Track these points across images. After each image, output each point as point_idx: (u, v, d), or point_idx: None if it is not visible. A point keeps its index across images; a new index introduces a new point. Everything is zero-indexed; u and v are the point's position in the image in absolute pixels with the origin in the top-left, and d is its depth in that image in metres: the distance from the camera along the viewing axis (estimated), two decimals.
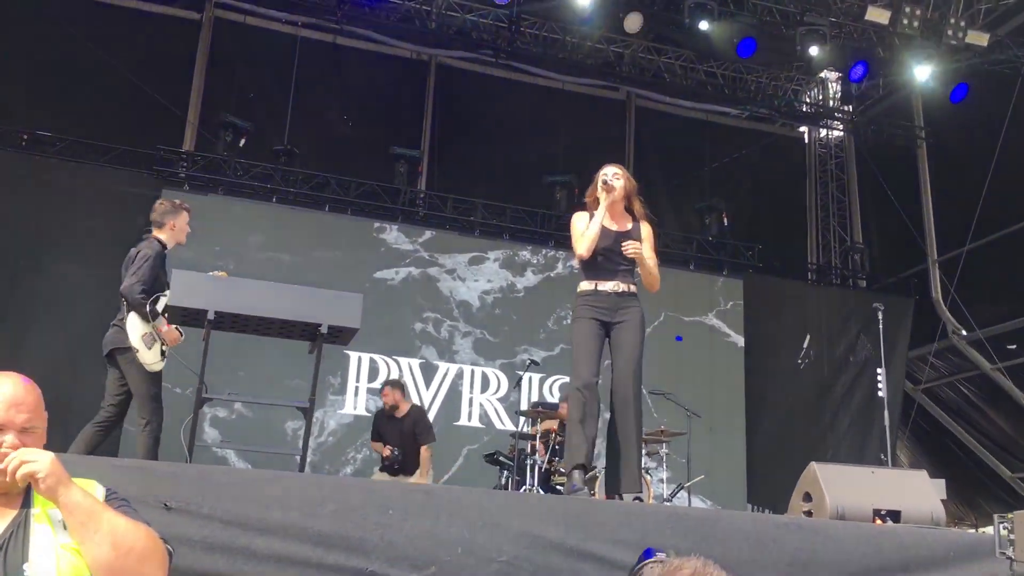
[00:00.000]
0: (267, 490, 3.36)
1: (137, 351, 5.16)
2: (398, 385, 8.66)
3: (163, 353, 5.28)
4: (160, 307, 5.14)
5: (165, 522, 3.02)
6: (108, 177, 10.29)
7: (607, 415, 4.87)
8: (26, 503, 2.03)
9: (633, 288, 4.86)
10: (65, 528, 2.01)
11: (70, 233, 9.62)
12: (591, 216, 4.85)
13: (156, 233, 5.60)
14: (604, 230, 4.83)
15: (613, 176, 4.90)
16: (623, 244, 4.76)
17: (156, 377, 5.27)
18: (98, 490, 2.17)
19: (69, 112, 10.82)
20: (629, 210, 4.97)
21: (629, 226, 4.92)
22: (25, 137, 10.29)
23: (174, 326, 5.20)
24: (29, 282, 9.47)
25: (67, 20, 10.91)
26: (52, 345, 9.31)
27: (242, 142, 10.82)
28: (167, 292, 5.13)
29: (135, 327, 5.18)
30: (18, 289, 9.39)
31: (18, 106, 10.60)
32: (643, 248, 4.84)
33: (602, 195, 4.82)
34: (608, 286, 4.79)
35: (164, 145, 10.64)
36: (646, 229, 4.95)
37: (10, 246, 9.36)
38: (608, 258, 4.81)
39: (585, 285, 4.87)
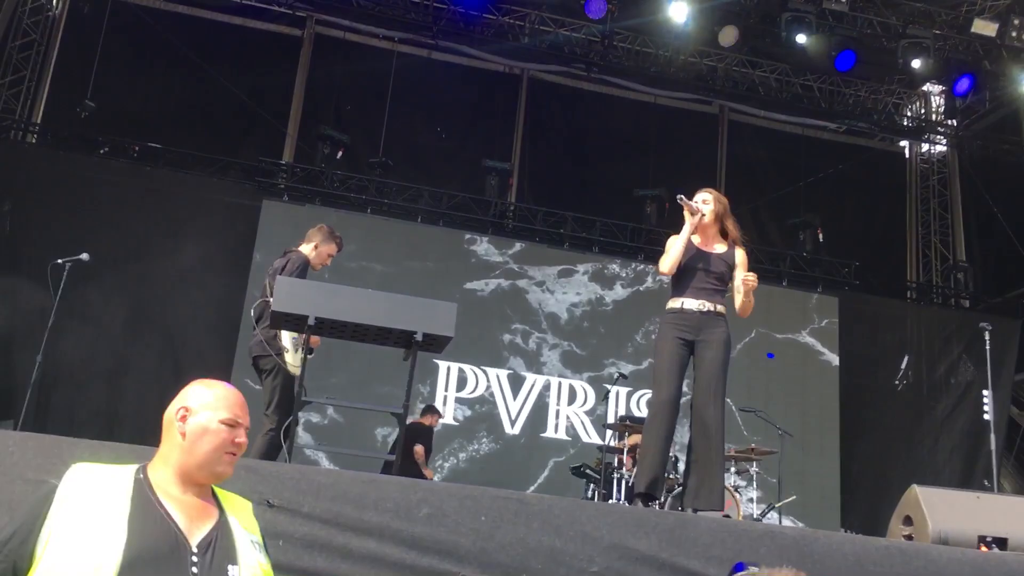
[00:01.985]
0: (364, 492, 3.44)
1: (286, 351, 5.30)
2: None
3: (304, 360, 5.40)
4: None
5: (268, 519, 3.12)
6: (212, 187, 10.71)
7: (686, 434, 4.85)
8: (222, 512, 2.20)
9: (720, 308, 4.83)
10: (263, 549, 2.21)
11: (176, 240, 10.01)
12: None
13: (302, 246, 5.80)
14: (696, 250, 4.85)
15: (702, 201, 4.91)
16: (744, 278, 4.77)
17: (292, 382, 5.34)
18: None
19: (177, 125, 11.30)
20: (724, 233, 4.96)
21: (722, 249, 4.92)
22: (136, 149, 10.76)
23: None
24: (137, 287, 9.87)
25: (175, 36, 11.40)
26: (158, 348, 9.70)
27: (339, 154, 11.11)
28: None
29: (286, 331, 5.33)
30: (127, 294, 9.80)
31: (129, 119, 11.11)
32: (736, 274, 4.86)
33: (688, 216, 4.86)
34: (694, 304, 4.79)
35: (265, 157, 11.01)
36: (741, 254, 4.94)
37: (120, 252, 9.78)
38: (696, 277, 4.81)
39: (672, 303, 4.88)
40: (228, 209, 10.49)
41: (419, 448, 8.89)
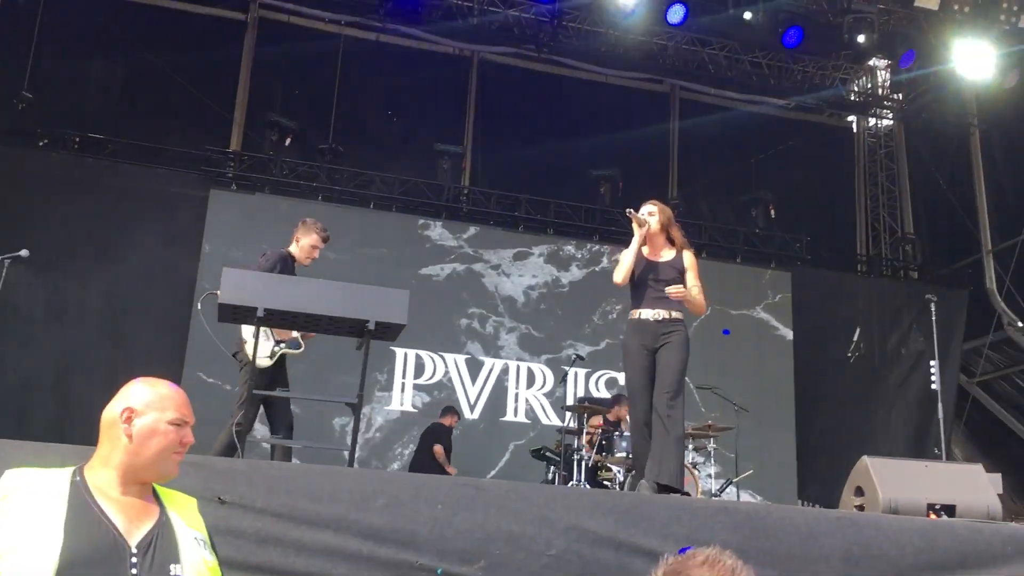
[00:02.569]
0: (318, 484, 3.40)
1: (245, 343, 5.34)
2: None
3: (274, 354, 5.51)
4: None
5: (220, 516, 3.07)
6: (158, 178, 10.48)
7: None
8: (163, 510, 2.17)
9: (676, 314, 5.06)
10: (209, 547, 2.19)
11: (122, 233, 9.82)
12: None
13: (290, 246, 5.90)
14: (646, 261, 5.12)
15: (648, 213, 5.21)
16: (668, 290, 4.98)
17: (260, 375, 5.36)
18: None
19: (119, 115, 11.05)
20: (671, 240, 5.22)
21: (671, 255, 5.16)
22: (77, 140, 10.51)
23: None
24: (81, 282, 9.67)
25: (114, 23, 11.12)
26: (106, 344, 9.52)
27: (288, 141, 10.97)
28: None
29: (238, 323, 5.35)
30: (70, 290, 9.59)
31: (69, 109, 10.85)
32: (687, 276, 5.10)
33: (636, 229, 5.12)
34: (650, 314, 5.04)
35: (212, 146, 10.81)
36: (689, 257, 5.18)
37: (64, 246, 9.56)
38: (649, 287, 5.06)
39: (632, 313, 5.14)
40: (175, 199, 10.28)
41: (438, 448, 9.14)
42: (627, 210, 5.20)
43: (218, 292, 4.39)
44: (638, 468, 5.15)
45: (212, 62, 11.67)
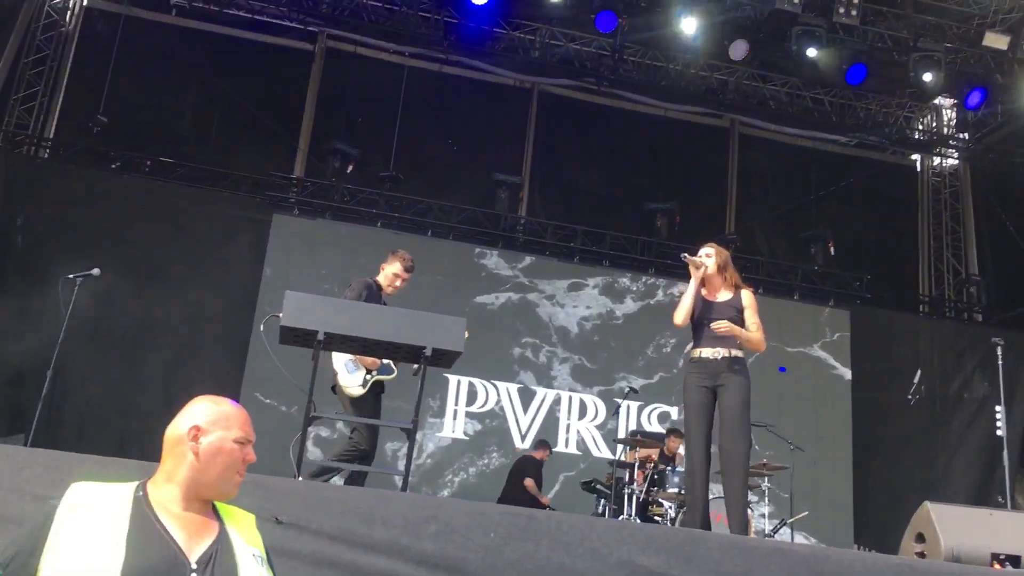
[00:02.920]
0: (372, 508, 3.43)
1: (336, 374, 5.60)
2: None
3: (366, 382, 5.67)
4: None
5: (276, 536, 3.11)
6: (223, 201, 10.75)
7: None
8: (223, 526, 2.20)
9: (737, 353, 5.12)
10: (267, 564, 2.21)
11: (187, 255, 10.05)
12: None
13: (379, 273, 6.10)
14: (704, 302, 5.23)
15: (705, 255, 5.30)
16: (714, 325, 5.08)
17: (358, 403, 5.65)
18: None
19: (189, 139, 11.39)
20: (728, 280, 5.33)
21: (728, 296, 5.26)
22: (148, 163, 10.82)
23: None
24: (147, 302, 9.90)
25: (187, 50, 11.48)
26: (168, 363, 9.72)
27: (349, 168, 11.15)
28: None
29: (338, 354, 5.55)
30: (136, 309, 9.82)
31: (141, 133, 11.19)
32: (747, 315, 5.19)
33: (693, 271, 5.24)
34: (710, 353, 5.12)
35: (276, 171, 11.06)
36: (748, 296, 5.27)
37: (132, 266, 9.81)
38: (709, 326, 5.14)
39: (692, 352, 5.24)
40: (239, 223, 10.52)
41: (529, 481, 9.15)
42: (683, 255, 5.31)
43: (280, 315, 4.47)
44: (690, 506, 5.18)
45: (280, 90, 11.99)
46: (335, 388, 5.75)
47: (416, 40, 11.88)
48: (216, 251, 10.17)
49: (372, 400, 5.76)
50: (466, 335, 5.90)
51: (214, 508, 2.23)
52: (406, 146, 11.88)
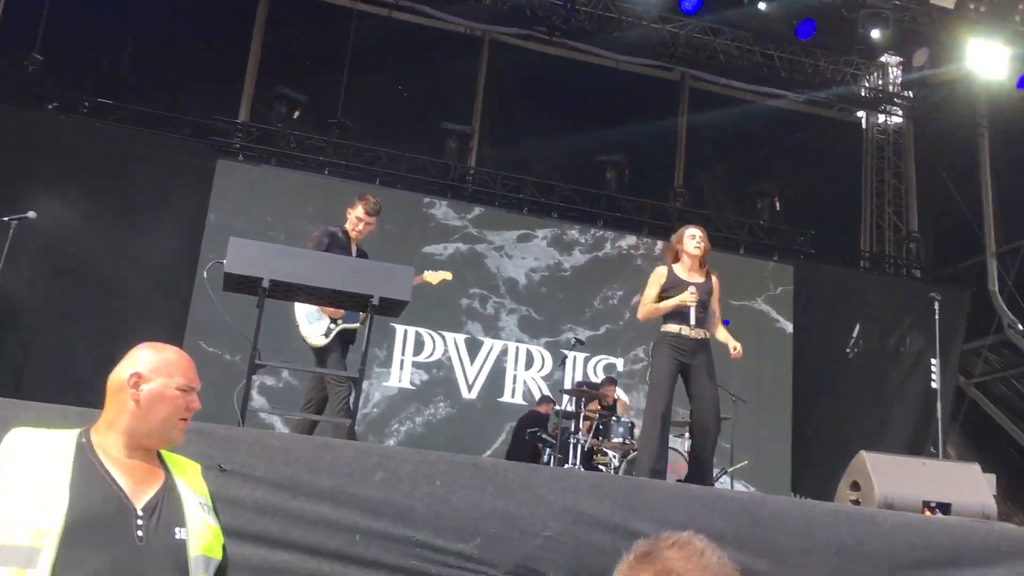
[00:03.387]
0: (318, 456, 3.42)
1: (298, 326, 5.47)
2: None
3: (329, 331, 5.51)
4: None
5: (220, 484, 3.09)
6: (166, 145, 10.46)
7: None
8: (168, 474, 2.18)
9: (707, 335, 5.50)
10: (212, 511, 2.21)
11: (128, 199, 9.82)
12: (668, 271, 5.55)
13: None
14: (684, 283, 5.49)
15: (701, 238, 5.60)
16: (733, 353, 5.51)
17: (322, 353, 5.54)
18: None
19: (129, 81, 11.03)
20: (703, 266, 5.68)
21: (701, 279, 5.58)
22: (86, 104, 10.48)
23: None
24: (86, 246, 9.66)
25: None
26: (110, 310, 9.53)
27: (296, 114, 10.93)
28: None
29: (300, 305, 5.44)
30: (75, 253, 9.58)
31: (79, 73, 10.81)
32: (712, 300, 5.60)
33: (685, 297, 5.40)
34: (688, 332, 5.40)
35: (221, 116, 10.79)
36: (716, 284, 5.66)
37: (71, 209, 9.54)
38: (690, 307, 5.42)
39: (670, 327, 5.45)
40: (182, 168, 10.27)
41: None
42: (691, 289, 5.42)
43: (224, 261, 4.38)
44: (642, 457, 5.44)
45: (224, 33, 11.66)
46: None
47: None
48: (158, 196, 9.94)
49: (339, 350, 5.61)
50: (449, 277, 6.04)
51: (160, 457, 2.21)
52: (354, 93, 11.66)
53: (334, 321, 5.56)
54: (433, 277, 6.05)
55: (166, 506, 2.08)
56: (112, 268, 9.65)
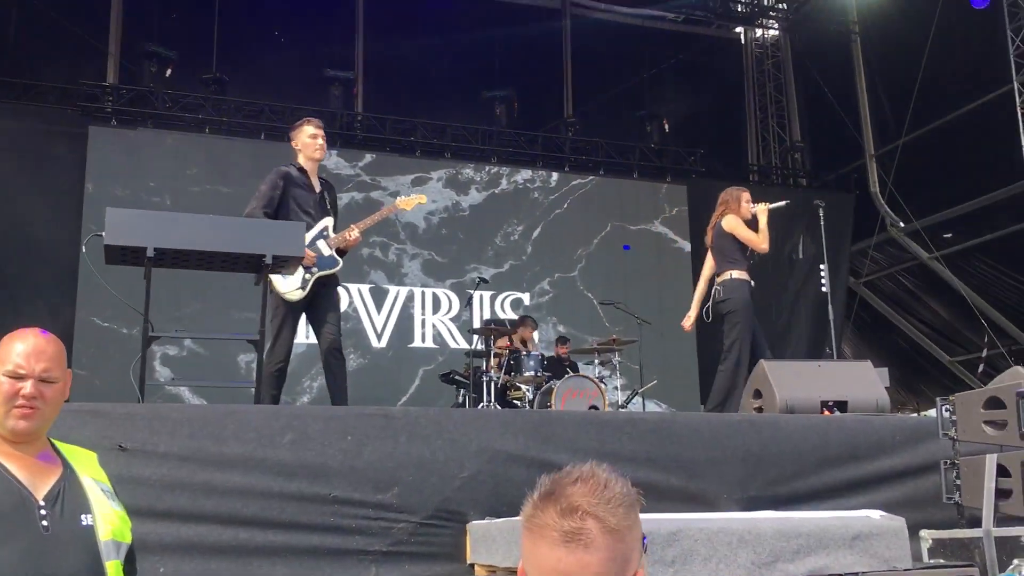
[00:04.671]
0: (222, 424, 3.35)
1: (271, 281, 4.92)
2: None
3: (305, 282, 5.06)
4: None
5: (122, 464, 3.00)
6: (30, 115, 9.90)
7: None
8: (66, 464, 2.14)
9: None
10: (115, 497, 2.18)
11: None
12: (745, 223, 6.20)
13: (296, 155, 5.42)
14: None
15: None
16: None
17: (288, 307, 5.07)
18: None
19: None
20: None
21: None
22: None
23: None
24: None
25: None
26: None
27: (168, 72, 10.47)
28: (306, 213, 5.16)
29: None
30: None
31: None
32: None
33: (761, 214, 6.16)
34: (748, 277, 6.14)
35: (86, 80, 10.24)
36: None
37: None
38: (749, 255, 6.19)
39: (744, 274, 6.12)
40: (51, 137, 9.75)
41: None
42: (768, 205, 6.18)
43: (103, 233, 4.20)
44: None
45: None
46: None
47: None
48: (32, 170, 9.43)
49: (320, 298, 5.18)
50: (424, 200, 5.92)
51: (54, 447, 2.17)
52: (228, 45, 11.20)
53: (309, 270, 5.11)
54: (407, 203, 5.73)
55: (68, 494, 2.06)
56: None
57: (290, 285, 5.05)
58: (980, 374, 11.33)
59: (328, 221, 5.30)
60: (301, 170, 5.37)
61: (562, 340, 9.77)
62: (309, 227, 5.07)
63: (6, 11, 10.44)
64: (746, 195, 6.31)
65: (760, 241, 6.09)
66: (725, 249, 6.15)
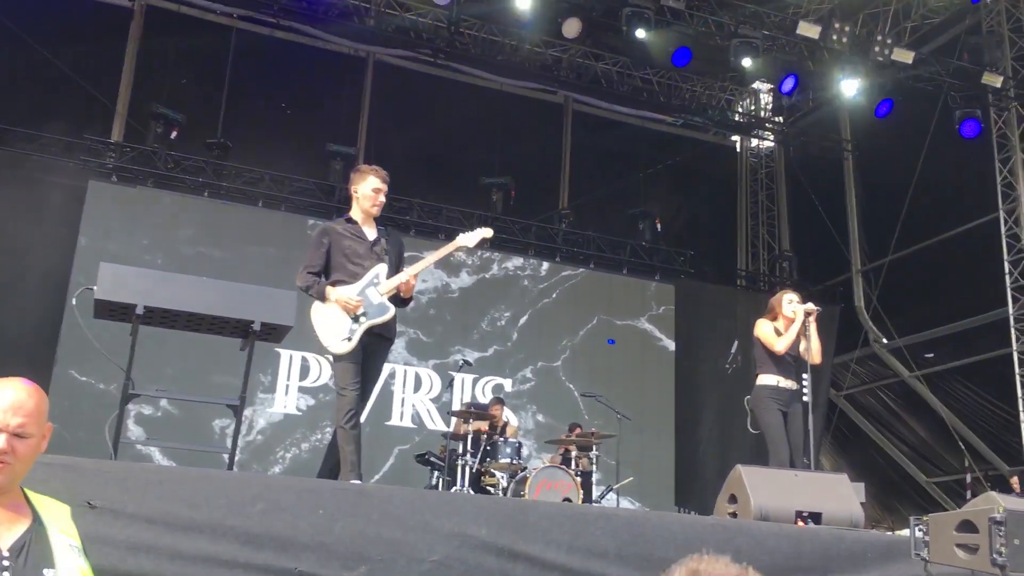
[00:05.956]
0: (194, 489, 3.30)
1: (317, 335, 4.82)
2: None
3: (352, 333, 4.79)
4: (353, 278, 4.85)
5: (89, 522, 2.95)
6: (32, 165, 9.99)
7: None
8: (36, 516, 2.10)
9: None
10: (83, 554, 2.12)
11: None
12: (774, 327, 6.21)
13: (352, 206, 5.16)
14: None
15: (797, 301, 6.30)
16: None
17: (343, 357, 4.79)
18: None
19: None
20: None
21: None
22: None
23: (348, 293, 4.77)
24: None
25: None
26: None
27: (174, 134, 10.61)
28: (357, 264, 4.91)
29: (316, 310, 4.86)
30: None
31: None
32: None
33: (797, 315, 6.17)
34: (786, 384, 6.02)
35: (91, 134, 10.38)
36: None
37: None
38: (787, 360, 6.09)
39: (768, 379, 6.02)
40: (50, 188, 9.83)
41: None
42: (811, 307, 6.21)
43: (94, 288, 4.21)
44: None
45: (96, 50, 11.22)
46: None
47: (244, 1, 11.38)
48: (26, 220, 9.47)
49: (374, 358, 4.93)
50: (489, 234, 5.32)
51: (26, 498, 2.14)
52: (235, 113, 11.43)
53: (356, 320, 4.80)
54: (470, 238, 5.26)
55: (34, 547, 2.02)
56: None
57: (335, 336, 4.79)
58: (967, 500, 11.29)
59: (380, 268, 4.95)
60: (350, 220, 5.10)
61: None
62: (358, 277, 4.88)
63: (18, 61, 10.62)
64: (789, 296, 6.39)
65: (774, 343, 6.10)
66: (756, 353, 6.29)
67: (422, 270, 5.16)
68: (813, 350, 6.11)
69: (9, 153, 9.96)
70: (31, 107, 10.64)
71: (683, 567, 1.38)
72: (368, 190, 5.06)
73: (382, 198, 5.10)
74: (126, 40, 11.40)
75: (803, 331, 6.14)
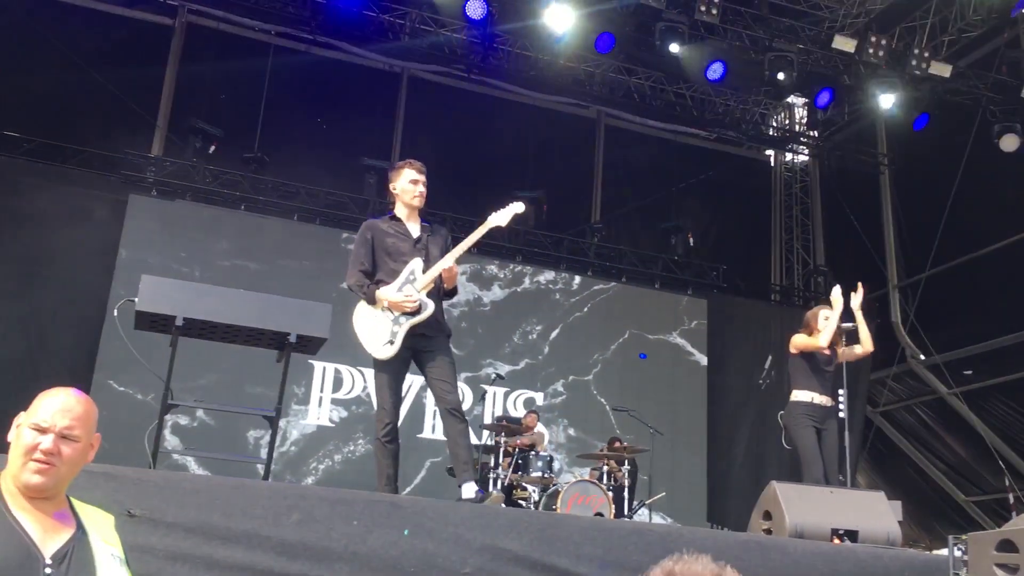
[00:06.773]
0: (231, 499, 3.35)
1: (362, 342, 4.74)
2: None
3: (394, 335, 4.66)
4: (392, 277, 4.76)
5: (129, 530, 3.00)
6: (75, 179, 10.19)
7: None
8: (80, 525, 2.13)
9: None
10: (125, 564, 2.15)
11: (35, 234, 9.50)
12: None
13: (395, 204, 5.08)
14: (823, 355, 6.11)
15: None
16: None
17: (383, 368, 4.70)
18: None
19: (37, 114, 10.70)
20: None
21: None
22: None
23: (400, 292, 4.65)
24: None
25: (37, 20, 10.79)
26: (15, 347, 9.18)
27: (212, 148, 10.78)
28: (399, 262, 4.81)
29: (358, 315, 4.79)
30: None
31: None
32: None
33: (836, 301, 6.19)
34: (822, 400, 6.01)
35: (133, 150, 10.57)
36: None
37: None
38: (824, 375, 6.08)
39: (803, 395, 6.01)
40: (92, 202, 10.01)
41: None
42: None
43: (135, 299, 4.29)
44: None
45: (137, 66, 11.41)
46: None
47: (282, 19, 11.54)
48: (67, 232, 9.64)
49: (428, 353, 4.80)
50: (521, 209, 5.25)
51: (71, 505, 2.17)
52: (272, 128, 11.56)
53: (396, 322, 4.67)
54: (502, 216, 5.20)
55: (76, 556, 2.04)
56: (19, 306, 9.31)
57: (377, 341, 4.68)
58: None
59: (415, 264, 4.83)
60: (394, 218, 5.03)
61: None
62: (398, 275, 4.81)
63: (63, 78, 10.84)
64: (825, 311, 6.28)
65: (814, 340, 6.07)
66: (790, 368, 6.29)
67: (459, 255, 4.97)
68: (863, 336, 6.12)
69: (51, 167, 10.17)
70: (75, 123, 10.85)
71: (660, 568, 1.38)
72: (406, 183, 4.99)
73: (421, 188, 5.01)
74: (167, 57, 11.60)
75: (839, 335, 6.09)
